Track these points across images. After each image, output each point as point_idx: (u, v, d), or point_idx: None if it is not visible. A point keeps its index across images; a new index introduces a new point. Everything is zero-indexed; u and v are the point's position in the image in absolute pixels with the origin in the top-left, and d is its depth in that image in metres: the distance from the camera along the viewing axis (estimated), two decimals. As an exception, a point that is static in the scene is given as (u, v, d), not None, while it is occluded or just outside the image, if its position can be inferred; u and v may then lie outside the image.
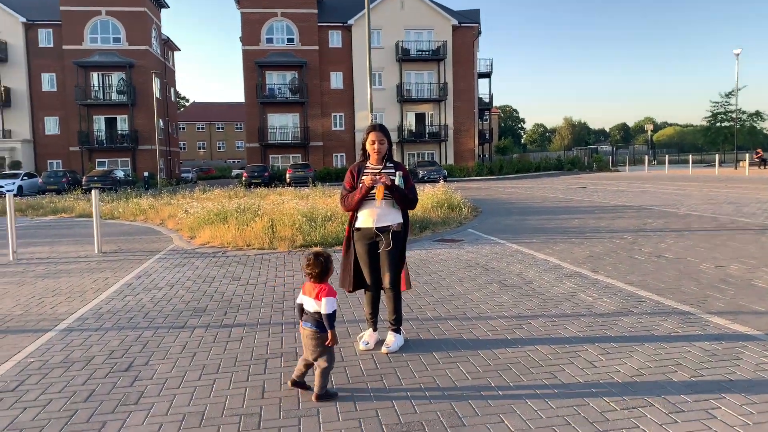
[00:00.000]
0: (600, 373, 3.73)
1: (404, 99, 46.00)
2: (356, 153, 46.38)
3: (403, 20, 46.11)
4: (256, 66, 44.82)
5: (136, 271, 7.99)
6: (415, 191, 4.38)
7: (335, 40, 46.26)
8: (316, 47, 45.69)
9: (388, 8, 45.74)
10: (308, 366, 3.55)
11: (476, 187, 28.66)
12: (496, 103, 59.55)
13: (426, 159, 45.57)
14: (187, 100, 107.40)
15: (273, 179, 37.42)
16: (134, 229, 13.85)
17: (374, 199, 4.21)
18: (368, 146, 4.29)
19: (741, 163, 40.45)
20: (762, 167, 38.99)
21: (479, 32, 48.25)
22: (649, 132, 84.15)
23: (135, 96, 44.79)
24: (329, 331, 3.42)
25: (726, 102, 43.50)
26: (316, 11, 45.74)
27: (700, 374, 3.64)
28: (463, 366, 3.94)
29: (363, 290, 4.53)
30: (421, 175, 35.62)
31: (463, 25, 47.06)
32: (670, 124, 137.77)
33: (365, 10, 45.18)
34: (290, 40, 45.82)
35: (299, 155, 46.42)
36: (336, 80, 46.42)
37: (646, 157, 46.64)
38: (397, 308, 4.38)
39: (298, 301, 3.63)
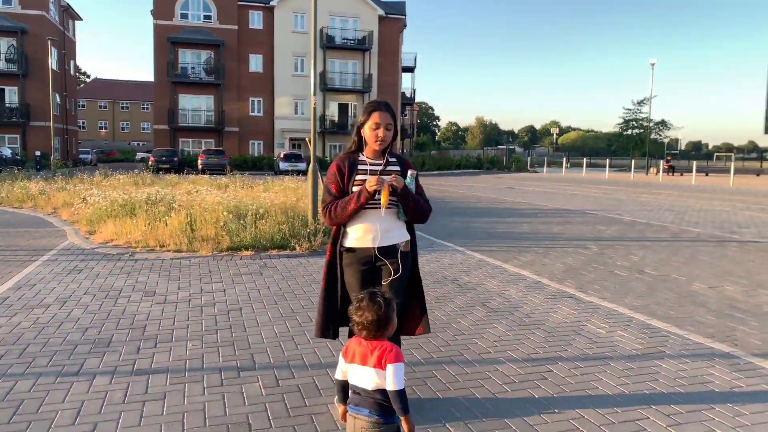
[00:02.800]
0: (690, 463, 2.68)
1: (327, 87, 44.35)
2: (274, 141, 44.32)
3: (328, 5, 44.33)
4: (168, 42, 41.62)
5: (16, 279, 6.24)
6: (427, 198, 3.16)
7: (256, 20, 43.82)
8: (235, 27, 43.10)
9: (313, -8, 43.80)
10: None
11: (402, 182, 27.71)
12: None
13: (347, 151, 44.24)
14: (89, 76, 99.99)
15: (183, 165, 34.76)
16: (19, 218, 11.70)
17: (374, 207, 2.95)
18: (368, 132, 2.97)
19: (652, 169, 42.12)
20: (671, 174, 40.84)
21: (405, 25, 47.45)
22: (554, 135, 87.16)
23: (27, 66, 40.37)
24: (403, 417, 2.11)
25: (638, 110, 45.17)
26: (236, -12, 43.15)
27: (824, 466, 2.68)
28: (499, 452, 2.77)
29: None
30: None
31: (389, 15, 46.04)
32: (574, 129, 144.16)
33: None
34: (207, 17, 42.94)
35: (213, 140, 43.70)
36: (255, 63, 44.02)
37: (564, 159, 47.71)
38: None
39: (340, 376, 2.35)
